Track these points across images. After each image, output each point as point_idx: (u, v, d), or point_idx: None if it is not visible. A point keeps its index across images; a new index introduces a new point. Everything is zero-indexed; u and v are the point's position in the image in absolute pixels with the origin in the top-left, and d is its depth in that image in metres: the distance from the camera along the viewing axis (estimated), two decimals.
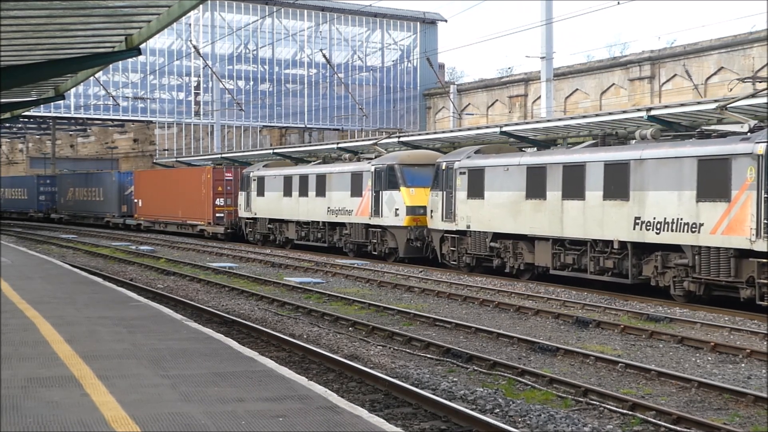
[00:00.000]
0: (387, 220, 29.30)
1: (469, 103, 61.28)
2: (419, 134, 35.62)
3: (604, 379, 11.88)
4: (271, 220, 37.61)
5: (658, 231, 19.05)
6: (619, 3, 31.24)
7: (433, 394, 10.54)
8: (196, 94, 63.00)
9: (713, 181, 17.88)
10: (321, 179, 33.50)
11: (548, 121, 26.33)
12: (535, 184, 22.46)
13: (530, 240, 22.93)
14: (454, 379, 11.68)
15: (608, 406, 10.20)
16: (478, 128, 32.64)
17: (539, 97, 42.48)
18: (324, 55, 56.88)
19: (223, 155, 47.98)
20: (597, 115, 24.73)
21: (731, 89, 28.18)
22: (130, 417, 7.44)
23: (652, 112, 21.92)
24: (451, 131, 33.43)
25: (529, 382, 11.48)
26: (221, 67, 61.16)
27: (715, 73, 44.54)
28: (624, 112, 23.20)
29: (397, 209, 28.80)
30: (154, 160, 64.00)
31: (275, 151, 43.81)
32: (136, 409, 7.70)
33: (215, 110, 58.45)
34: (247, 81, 63.87)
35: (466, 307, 19.07)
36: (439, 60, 67.80)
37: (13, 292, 16.87)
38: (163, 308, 15.30)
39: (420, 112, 67.25)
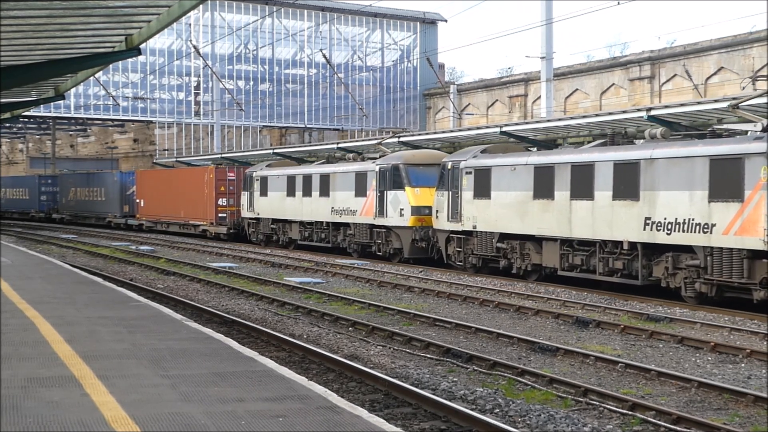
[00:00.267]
0: (392, 221, 29.10)
1: (469, 103, 61.29)
2: (419, 134, 35.59)
3: (604, 379, 11.88)
4: (275, 221, 37.39)
5: (669, 231, 18.79)
6: (619, 3, 31.24)
7: (433, 394, 10.54)
8: (196, 94, 63.01)
9: (726, 181, 17.57)
10: (325, 179, 33.28)
11: (548, 121, 26.30)
12: (543, 183, 22.22)
13: (538, 240, 22.68)
14: (454, 379, 11.68)
15: (608, 406, 10.20)
16: (478, 128, 32.62)
17: (539, 97, 42.48)
18: (324, 55, 56.88)
19: (223, 155, 47.90)
20: (597, 115, 24.71)
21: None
22: (130, 417, 7.44)
23: (652, 112, 21.86)
24: (451, 131, 33.39)
25: (529, 382, 11.48)
26: (221, 67, 61.17)
27: (715, 73, 44.55)
28: (624, 112, 23.15)
29: (401, 209, 28.60)
30: (154, 160, 63.99)
31: (275, 151, 43.74)
32: (136, 409, 7.70)
33: (215, 110, 58.45)
34: (247, 81, 63.88)
35: (466, 307, 19.07)
36: (439, 60, 67.81)
37: (13, 292, 16.87)
38: (163, 308, 15.30)
39: (420, 112, 67.26)
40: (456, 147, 31.13)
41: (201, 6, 36.08)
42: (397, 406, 10.26)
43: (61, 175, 66.03)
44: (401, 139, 33.43)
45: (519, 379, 11.70)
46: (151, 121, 63.23)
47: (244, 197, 39.68)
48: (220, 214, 42.05)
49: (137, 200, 51.51)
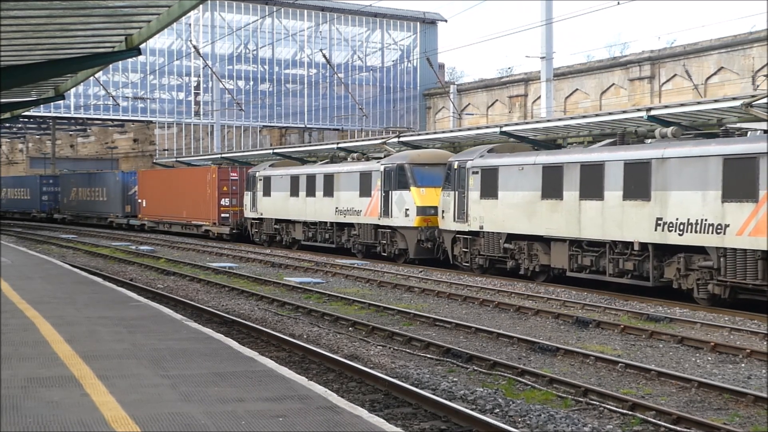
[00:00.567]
0: (397, 221, 28.87)
1: (469, 103, 61.29)
2: (419, 134, 35.57)
3: (604, 379, 11.88)
4: (278, 221, 37.16)
5: (681, 232, 18.51)
6: (619, 3, 31.23)
7: (433, 394, 10.54)
8: (196, 94, 63.00)
9: (740, 181, 17.30)
10: (329, 179, 33.06)
11: (548, 121, 26.29)
12: (552, 183, 21.97)
13: (546, 241, 22.41)
14: (454, 379, 11.68)
15: (608, 406, 10.20)
16: (478, 128, 32.60)
17: (539, 97, 42.47)
18: (324, 55, 56.89)
19: (223, 155, 47.83)
20: (597, 115, 24.69)
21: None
22: (130, 417, 7.44)
23: (652, 112, 21.84)
24: (451, 131, 33.34)
25: (529, 382, 11.48)
26: (221, 67, 61.17)
27: (715, 73, 44.56)
28: (624, 112, 23.13)
29: (407, 209, 28.38)
30: (154, 160, 63.98)
31: (275, 151, 43.67)
32: (136, 409, 7.70)
33: (215, 110, 58.45)
34: (247, 81, 63.88)
35: (466, 307, 19.07)
36: (439, 60, 67.81)
37: (13, 292, 16.87)
38: (163, 308, 15.30)
39: (420, 112, 67.26)
40: (456, 147, 31.12)
41: (201, 6, 36.07)
42: (397, 406, 10.26)
43: (63, 175, 65.78)
44: (401, 139, 33.38)
45: (519, 379, 11.69)
46: (151, 121, 63.22)
47: (247, 197, 39.47)
48: (222, 215, 41.85)
49: (139, 200, 51.32)
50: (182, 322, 13.41)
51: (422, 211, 27.96)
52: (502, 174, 23.85)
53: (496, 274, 24.57)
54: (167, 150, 63.91)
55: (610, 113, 23.97)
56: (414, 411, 9.99)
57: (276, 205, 36.95)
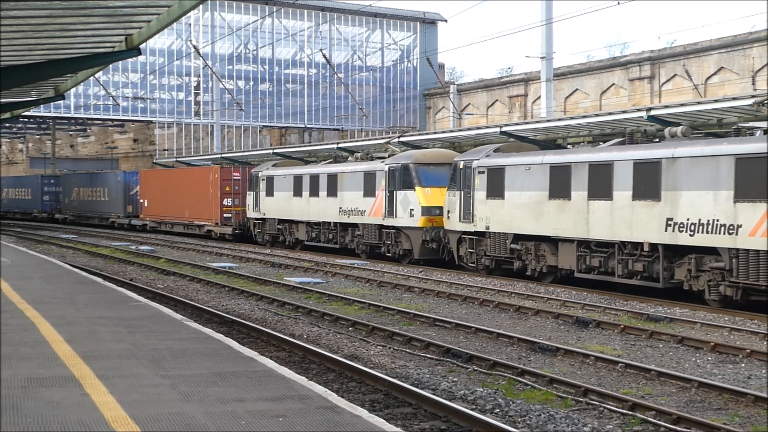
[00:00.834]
0: (401, 221, 28.64)
1: (469, 103, 61.29)
2: (419, 134, 35.55)
3: (604, 379, 11.88)
4: (281, 221, 36.92)
5: (692, 233, 18.23)
6: (619, 3, 31.24)
7: (433, 394, 10.54)
8: (196, 94, 63.00)
9: (752, 181, 17.04)
10: (332, 179, 32.81)
11: (548, 121, 26.29)
12: (559, 183, 21.72)
13: (553, 242, 22.18)
14: (454, 379, 11.68)
15: (608, 406, 10.20)
16: (478, 128, 32.59)
17: (539, 97, 42.48)
18: (324, 55, 56.90)
19: (223, 155, 47.76)
20: (597, 115, 24.69)
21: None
22: (130, 417, 7.44)
23: (652, 112, 21.83)
24: (451, 131, 33.32)
25: (529, 382, 11.48)
26: (221, 67, 61.17)
27: (715, 73, 44.56)
28: (624, 112, 23.12)
29: (411, 210, 28.14)
30: (154, 160, 63.98)
31: (275, 151, 43.62)
32: (136, 409, 7.70)
33: (215, 110, 58.46)
34: (247, 81, 63.88)
35: (466, 307, 19.07)
36: (439, 60, 67.82)
37: (13, 292, 16.87)
38: (163, 308, 15.30)
39: (420, 112, 67.27)
40: (456, 147, 31.10)
41: (201, 6, 36.07)
42: (397, 406, 10.26)
43: (64, 175, 65.56)
44: (401, 139, 33.35)
45: (519, 379, 11.70)
46: (151, 121, 63.22)
47: (250, 197, 39.22)
48: (225, 215, 41.65)
49: (141, 200, 51.16)
50: (182, 322, 13.41)
51: (427, 211, 27.74)
52: (509, 174, 23.59)
53: (502, 275, 24.35)
54: (167, 150, 63.91)
55: (610, 113, 23.96)
56: (414, 411, 9.99)
57: (279, 205, 36.72)
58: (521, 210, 23.07)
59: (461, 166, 25.55)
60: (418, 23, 67.79)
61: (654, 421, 9.58)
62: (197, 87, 63.08)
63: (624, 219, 19.94)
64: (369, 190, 30.43)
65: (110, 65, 42.57)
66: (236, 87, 62.43)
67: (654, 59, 47.86)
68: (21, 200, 69.57)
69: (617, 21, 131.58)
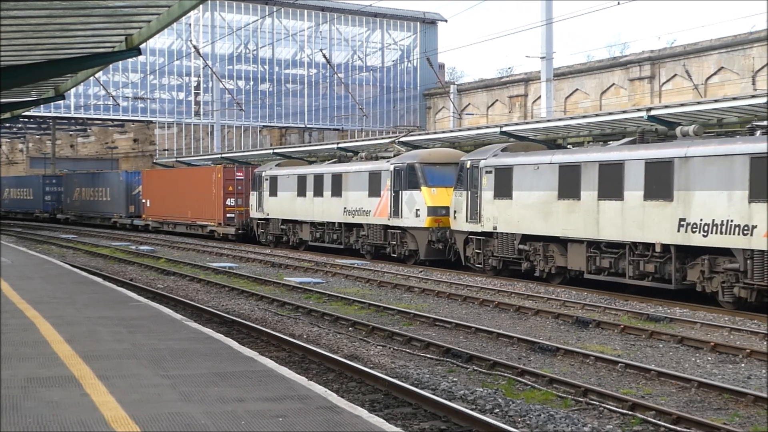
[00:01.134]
0: (407, 221, 28.41)
1: (469, 103, 61.30)
2: (419, 134, 35.53)
3: (604, 379, 11.88)
4: (284, 221, 36.70)
5: (705, 233, 17.94)
6: (619, 3, 31.24)
7: (433, 394, 10.54)
8: (196, 94, 63.01)
9: None
10: (337, 179, 32.58)
11: (548, 121, 26.29)
12: (569, 183, 21.43)
13: (562, 242, 21.88)
14: (454, 379, 11.68)
15: (608, 406, 10.20)
16: (478, 128, 32.57)
17: (539, 97, 42.49)
18: (324, 55, 56.90)
19: (223, 155, 47.71)
20: (597, 115, 24.68)
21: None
22: (130, 417, 7.44)
23: (652, 112, 21.81)
24: (451, 131, 33.30)
25: (529, 382, 11.48)
26: (221, 67, 61.17)
27: (715, 73, 44.56)
28: (624, 112, 23.10)
29: (417, 210, 27.92)
30: (154, 160, 63.99)
31: (275, 151, 43.58)
32: (136, 409, 7.70)
33: (215, 110, 58.46)
34: (247, 81, 63.89)
35: (466, 307, 19.07)
36: (439, 60, 67.82)
37: (13, 292, 16.87)
38: (163, 308, 15.30)
39: (420, 112, 67.28)
40: (456, 147, 31.09)
41: (201, 6, 36.06)
42: (397, 406, 10.26)
43: (66, 175, 65.34)
44: (401, 139, 33.31)
45: (519, 379, 11.70)
46: (151, 121, 63.22)
47: (253, 197, 39.02)
48: (228, 215, 41.46)
49: (143, 200, 51.01)
50: (182, 322, 13.41)
51: (433, 211, 27.49)
52: (517, 173, 23.30)
53: (509, 276, 24.13)
54: (167, 150, 63.91)
55: (610, 113, 23.94)
56: (414, 411, 9.99)
57: (283, 205, 36.47)
58: (530, 210, 22.79)
59: (468, 166, 25.26)
60: (418, 23, 67.79)
61: (654, 421, 9.58)
62: (197, 87, 63.09)
63: (635, 219, 19.67)
64: (374, 190, 30.20)
65: (110, 65, 42.55)
66: (236, 87, 62.43)
67: (654, 59, 47.86)
68: (23, 200, 69.46)
69: (617, 21, 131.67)
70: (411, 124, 65.25)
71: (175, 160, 56.51)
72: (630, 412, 9.91)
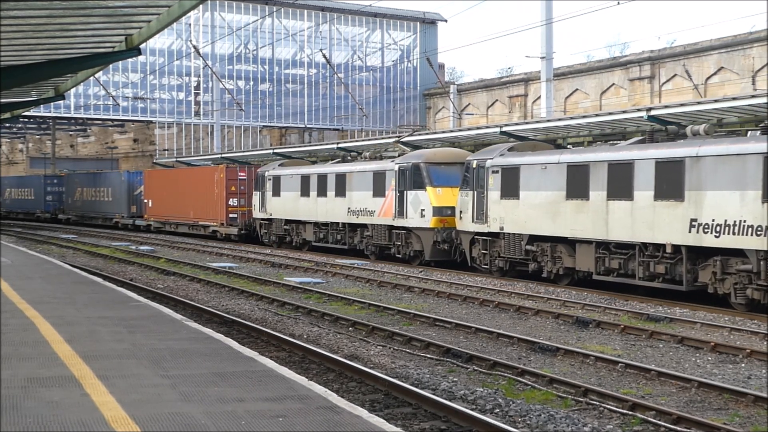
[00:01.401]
0: (412, 222, 28.17)
1: (469, 103, 61.31)
2: (419, 134, 35.51)
3: (604, 379, 11.88)
4: (288, 221, 36.47)
5: (717, 234, 17.64)
6: (619, 3, 31.24)
7: (433, 394, 10.54)
8: (196, 94, 63.01)
9: None
10: (341, 178, 32.33)
11: (548, 121, 26.31)
12: (577, 183, 21.14)
13: (570, 243, 21.61)
14: (454, 379, 11.68)
15: (608, 406, 10.20)
16: (478, 128, 32.57)
17: (539, 97, 42.48)
18: (324, 55, 56.90)
19: (223, 155, 47.66)
20: (597, 115, 24.69)
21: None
22: (130, 417, 7.44)
23: (652, 112, 21.81)
24: (451, 131, 33.28)
25: (529, 382, 11.48)
26: (221, 67, 61.18)
27: (715, 73, 44.57)
28: (624, 112, 23.10)
29: (422, 210, 27.68)
30: (154, 160, 63.98)
31: (275, 151, 43.54)
32: (136, 409, 7.70)
33: (215, 110, 58.46)
34: (247, 81, 63.89)
35: (466, 307, 19.07)
36: (439, 60, 67.82)
37: (13, 292, 16.87)
38: (163, 308, 15.30)
39: (420, 112, 67.28)
40: (456, 147, 31.08)
41: (201, 6, 36.06)
42: (397, 406, 10.26)
43: (67, 175, 65.12)
44: (402, 139, 33.29)
45: (519, 379, 11.70)
46: (151, 121, 63.22)
47: (256, 197, 38.82)
48: (230, 215, 41.24)
49: (145, 200, 50.85)
50: (182, 322, 13.41)
51: (439, 211, 27.26)
52: (524, 173, 23.05)
53: (516, 277, 23.95)
54: (167, 150, 63.90)
55: (610, 113, 23.94)
56: (414, 411, 9.99)
57: (286, 205, 36.25)
58: (537, 210, 22.54)
59: (474, 166, 25.01)
60: (418, 23, 67.80)
61: (654, 421, 9.58)
62: (197, 87, 63.09)
63: (645, 219, 19.41)
64: (378, 190, 29.99)
65: (110, 65, 42.54)
66: (236, 87, 62.44)
67: (654, 59, 47.87)
68: (24, 200, 69.36)
69: (617, 21, 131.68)
70: (411, 124, 65.29)
71: (175, 160, 56.49)
72: (630, 412, 9.91)
